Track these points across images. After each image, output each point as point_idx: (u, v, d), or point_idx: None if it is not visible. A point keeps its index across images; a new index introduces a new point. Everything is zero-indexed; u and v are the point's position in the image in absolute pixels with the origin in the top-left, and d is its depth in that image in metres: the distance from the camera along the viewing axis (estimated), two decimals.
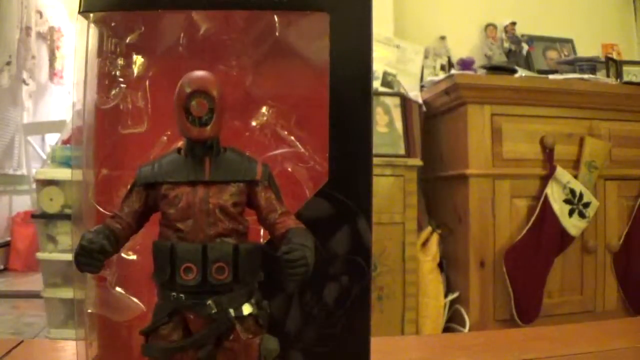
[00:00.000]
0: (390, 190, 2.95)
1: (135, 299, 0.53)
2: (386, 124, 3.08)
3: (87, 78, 0.57)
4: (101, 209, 0.58)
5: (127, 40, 0.58)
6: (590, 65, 3.46)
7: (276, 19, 0.58)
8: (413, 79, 3.41)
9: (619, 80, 3.29)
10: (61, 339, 3.12)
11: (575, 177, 3.07)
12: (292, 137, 0.60)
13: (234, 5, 0.55)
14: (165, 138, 0.59)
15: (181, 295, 0.48)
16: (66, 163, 3.10)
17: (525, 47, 3.66)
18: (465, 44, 3.74)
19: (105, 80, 0.58)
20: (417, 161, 3.03)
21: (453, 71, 3.45)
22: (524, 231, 3.06)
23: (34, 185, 5.55)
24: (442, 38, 3.66)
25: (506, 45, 3.67)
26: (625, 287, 3.27)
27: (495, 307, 3.13)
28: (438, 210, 3.38)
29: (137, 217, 0.50)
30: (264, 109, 0.60)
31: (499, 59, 3.65)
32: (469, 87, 3.04)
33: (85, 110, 0.57)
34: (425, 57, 3.55)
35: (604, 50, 3.78)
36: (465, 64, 3.58)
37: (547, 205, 3.04)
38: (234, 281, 0.48)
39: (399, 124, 3.12)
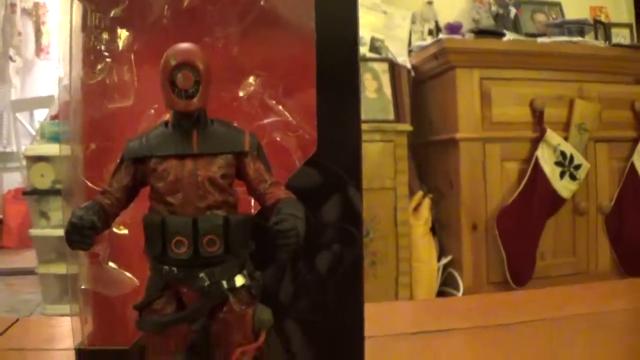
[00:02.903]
0: (381, 156, 2.95)
1: (128, 274, 0.54)
2: (375, 90, 3.07)
3: (72, 53, 0.56)
4: (90, 184, 0.58)
5: (112, 14, 0.58)
6: (579, 27, 3.44)
7: None
8: (401, 44, 3.40)
9: (607, 42, 3.28)
10: (56, 315, 3.14)
11: (566, 139, 3.08)
12: (280, 107, 0.60)
13: None
14: (152, 111, 0.59)
15: (173, 268, 0.48)
16: (55, 138, 3.08)
17: (513, 10, 3.64)
18: (453, 8, 3.72)
19: (91, 55, 0.58)
20: (407, 126, 3.02)
21: (441, 36, 3.43)
22: (516, 194, 3.07)
23: (24, 162, 5.56)
24: (430, 3, 3.64)
25: (494, 9, 3.65)
26: (617, 248, 3.29)
27: (488, 270, 3.15)
28: (429, 174, 3.39)
29: (126, 192, 0.50)
30: (250, 79, 0.60)
31: (487, 22, 3.63)
32: (458, 52, 3.03)
33: (71, 85, 0.57)
34: (413, 22, 3.53)
35: (592, 12, 3.77)
36: (453, 29, 3.56)
37: (538, 168, 3.05)
38: (225, 253, 0.48)
39: (387, 90, 3.10)
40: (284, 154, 0.59)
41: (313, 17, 0.55)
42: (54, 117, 3.26)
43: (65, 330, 0.92)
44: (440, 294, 3.20)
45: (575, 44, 3.20)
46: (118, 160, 0.50)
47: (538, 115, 3.07)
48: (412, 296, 3.07)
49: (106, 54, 0.58)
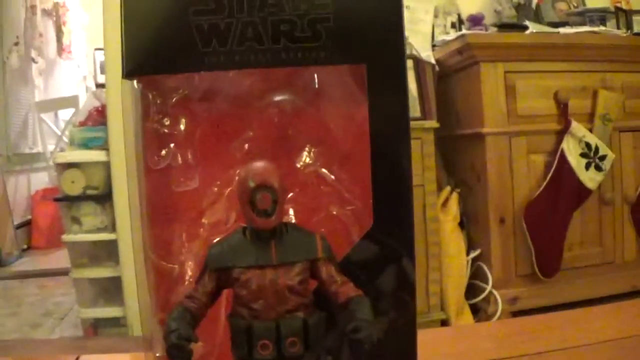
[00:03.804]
0: None
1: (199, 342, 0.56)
2: None
3: (138, 140, 0.60)
4: (163, 263, 0.61)
5: (173, 100, 0.61)
6: (600, 15, 3.44)
7: (315, 76, 0.61)
8: (424, 38, 3.40)
9: (629, 31, 3.27)
10: (90, 319, 3.19)
11: (590, 130, 3.09)
12: (333, 177, 0.63)
13: (276, 63, 0.57)
14: (215, 189, 0.62)
15: None
16: (85, 145, 3.13)
17: (534, 0, 3.64)
18: (474, 0, 3.72)
19: (154, 140, 0.60)
20: (434, 123, 3.04)
21: (464, 29, 3.44)
22: (542, 186, 3.08)
23: (50, 162, 5.62)
24: None
25: None
26: None
27: (516, 263, 3.17)
28: (456, 168, 3.41)
29: (210, 296, 0.54)
30: (305, 153, 0.63)
31: (509, 13, 3.63)
32: (481, 46, 3.04)
33: (140, 172, 0.60)
34: (435, 16, 3.53)
35: None
36: (476, 20, 3.56)
37: (563, 159, 3.06)
38: (305, 351, 0.52)
39: (413, 87, 3.12)
40: (341, 227, 0.62)
41: (366, 99, 0.58)
42: (82, 123, 3.29)
43: None
44: (469, 287, 3.23)
45: (597, 35, 3.20)
46: (202, 267, 0.54)
47: (562, 107, 3.08)
48: (442, 291, 3.10)
49: (169, 138, 0.61)
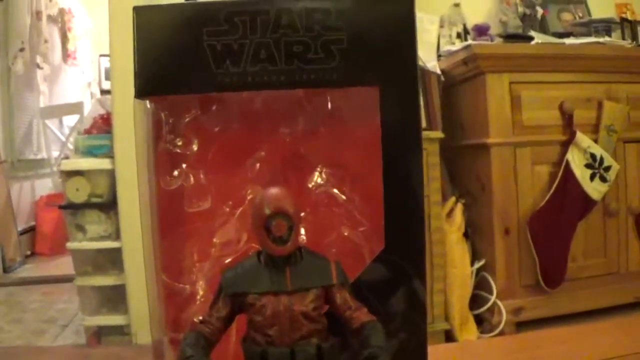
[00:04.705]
0: None
1: None
2: None
3: (150, 160, 0.60)
4: (169, 281, 0.61)
5: (186, 120, 0.61)
6: (605, 26, 3.44)
7: (329, 97, 0.61)
8: (430, 49, 3.40)
9: (634, 42, 3.27)
10: (93, 326, 3.19)
11: (595, 141, 3.08)
12: (345, 197, 0.63)
13: (289, 84, 0.57)
14: (227, 209, 0.62)
15: None
16: (90, 152, 3.13)
17: (539, 10, 3.64)
18: (480, 10, 3.72)
19: (166, 161, 0.60)
20: (439, 134, 3.03)
21: (469, 39, 3.45)
22: (547, 197, 3.08)
23: (54, 168, 5.63)
24: (457, 5, 3.64)
25: (520, 9, 3.65)
26: None
27: (521, 274, 3.17)
28: (461, 178, 3.40)
29: (224, 322, 0.54)
30: (316, 173, 0.63)
31: (514, 23, 3.63)
32: (487, 57, 3.03)
33: (152, 192, 0.60)
34: (441, 26, 3.54)
35: (618, 10, 3.75)
36: (481, 30, 3.57)
37: (568, 170, 3.05)
38: None
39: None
40: (352, 248, 0.62)
41: (378, 122, 0.58)
42: (87, 131, 3.30)
43: None
44: (473, 297, 3.23)
45: (602, 46, 3.20)
46: (216, 291, 0.54)
47: (567, 118, 3.08)
48: (447, 301, 3.10)
49: (181, 159, 0.61)
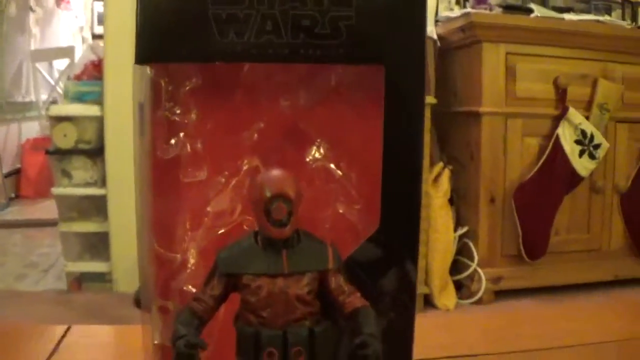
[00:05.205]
0: None
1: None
2: None
3: (149, 128, 0.59)
4: (162, 251, 0.61)
5: (186, 88, 0.60)
6: (606, 5, 3.44)
7: (333, 73, 0.60)
8: (428, 14, 3.37)
9: (634, 23, 3.26)
10: (76, 272, 3.20)
11: (587, 118, 3.10)
12: (342, 174, 0.62)
13: (293, 58, 0.56)
14: (222, 179, 0.61)
15: None
16: (79, 99, 3.11)
17: None
18: None
19: (164, 128, 0.60)
20: (431, 99, 3.02)
21: (468, 7, 3.42)
22: (534, 170, 3.10)
23: (43, 112, 5.59)
24: None
25: None
26: (631, 228, 3.34)
27: (503, 243, 3.21)
28: (450, 144, 3.41)
29: (218, 300, 0.53)
30: (314, 147, 0.62)
31: None
32: (485, 26, 3.03)
33: (149, 160, 0.59)
34: None
35: None
36: None
37: (558, 145, 3.07)
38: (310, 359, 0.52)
39: None
40: (346, 225, 0.61)
41: (380, 101, 0.57)
42: (78, 77, 3.27)
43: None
44: (455, 263, 3.26)
45: (601, 24, 3.20)
46: (210, 269, 0.53)
47: (561, 93, 3.08)
48: (428, 265, 3.12)
49: (179, 127, 0.60)
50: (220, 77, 0.60)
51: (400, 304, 0.61)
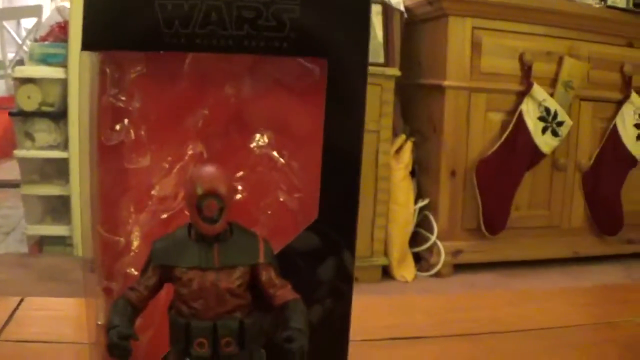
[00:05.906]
0: (367, 99, 2.97)
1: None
2: None
3: (93, 114, 0.59)
4: (107, 235, 0.62)
5: (131, 75, 0.60)
6: None
7: (277, 65, 0.61)
8: None
9: (602, 2, 3.28)
10: (37, 235, 3.18)
11: (552, 95, 3.12)
12: (283, 161, 0.63)
13: (237, 49, 0.57)
14: (166, 165, 0.62)
15: None
16: (44, 60, 3.08)
17: None
18: None
19: (109, 114, 0.60)
20: (396, 71, 3.04)
21: None
22: (497, 145, 3.13)
23: (9, 71, 5.51)
24: None
25: None
26: (592, 206, 3.39)
27: (463, 217, 3.24)
28: (413, 116, 3.43)
29: (152, 289, 0.55)
30: (258, 135, 0.63)
31: None
32: (452, 0, 3.03)
33: (93, 146, 0.60)
34: None
35: None
36: None
37: (521, 121, 3.10)
38: (240, 350, 0.54)
39: (379, 33, 3.10)
40: (286, 214, 0.63)
41: (324, 95, 0.58)
42: (43, 38, 3.24)
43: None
44: (414, 235, 3.29)
45: (569, 2, 3.21)
46: (146, 260, 0.54)
47: (526, 69, 3.11)
48: (387, 237, 3.15)
49: (124, 113, 0.61)
50: (165, 65, 0.61)
51: (338, 292, 0.62)
